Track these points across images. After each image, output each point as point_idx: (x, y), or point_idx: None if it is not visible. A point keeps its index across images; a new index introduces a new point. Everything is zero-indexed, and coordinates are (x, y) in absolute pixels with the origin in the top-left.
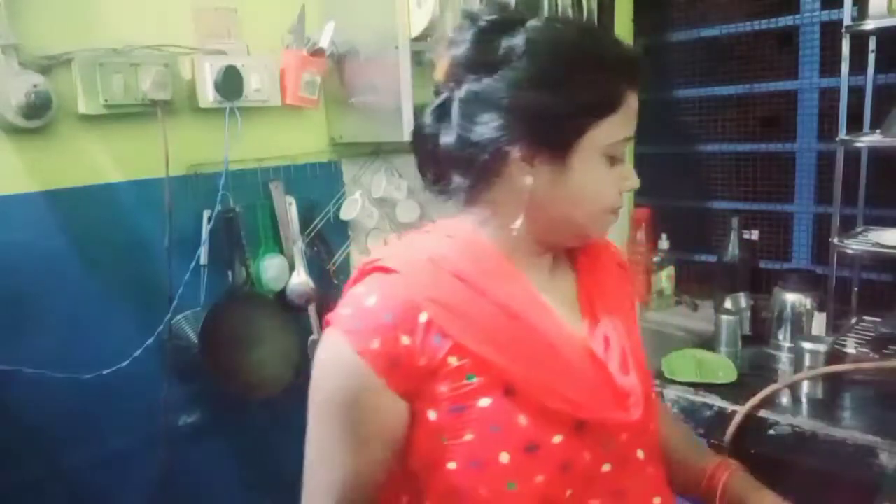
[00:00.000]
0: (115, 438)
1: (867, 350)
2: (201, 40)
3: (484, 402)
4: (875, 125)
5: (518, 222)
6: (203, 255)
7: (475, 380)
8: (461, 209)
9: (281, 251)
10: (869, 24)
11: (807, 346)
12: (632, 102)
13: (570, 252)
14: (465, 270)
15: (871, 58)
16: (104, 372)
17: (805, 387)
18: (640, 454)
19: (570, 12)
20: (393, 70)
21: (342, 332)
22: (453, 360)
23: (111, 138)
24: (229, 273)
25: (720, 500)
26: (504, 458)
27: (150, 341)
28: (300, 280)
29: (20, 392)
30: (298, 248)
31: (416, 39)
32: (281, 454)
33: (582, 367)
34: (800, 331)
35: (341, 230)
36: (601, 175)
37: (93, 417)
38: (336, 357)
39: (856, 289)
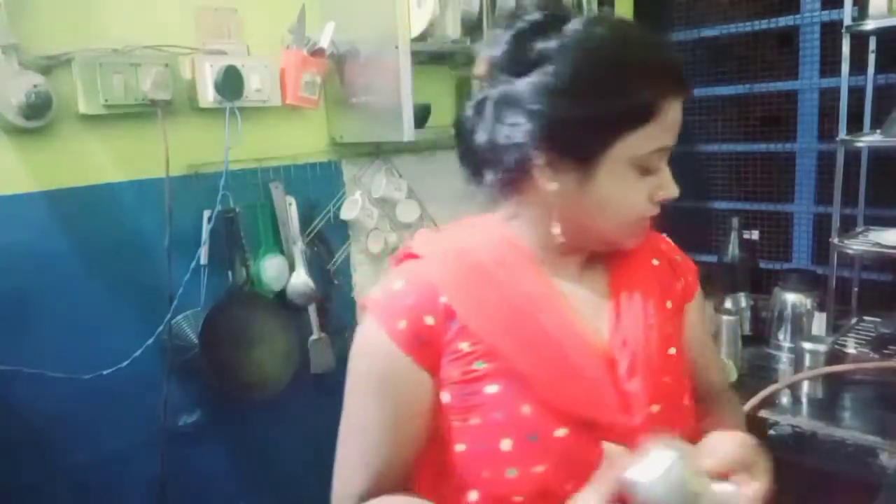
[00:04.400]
0: (115, 438)
1: (867, 350)
2: (201, 40)
3: (490, 388)
4: (875, 125)
5: (543, 226)
6: (203, 255)
7: (483, 366)
8: (494, 205)
9: (281, 251)
10: (869, 24)
11: (807, 346)
12: (670, 112)
13: (607, 257)
14: (486, 262)
15: (872, 58)
16: (104, 372)
17: (805, 387)
18: None
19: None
20: (393, 70)
21: (373, 315)
22: (465, 346)
23: (111, 138)
24: (229, 273)
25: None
26: (506, 444)
27: (150, 341)
28: (300, 280)
29: (20, 392)
30: (298, 248)
31: (416, 39)
32: (281, 454)
33: (589, 367)
34: (800, 331)
35: (341, 230)
36: (629, 186)
37: (93, 417)
38: (368, 338)
39: (856, 289)
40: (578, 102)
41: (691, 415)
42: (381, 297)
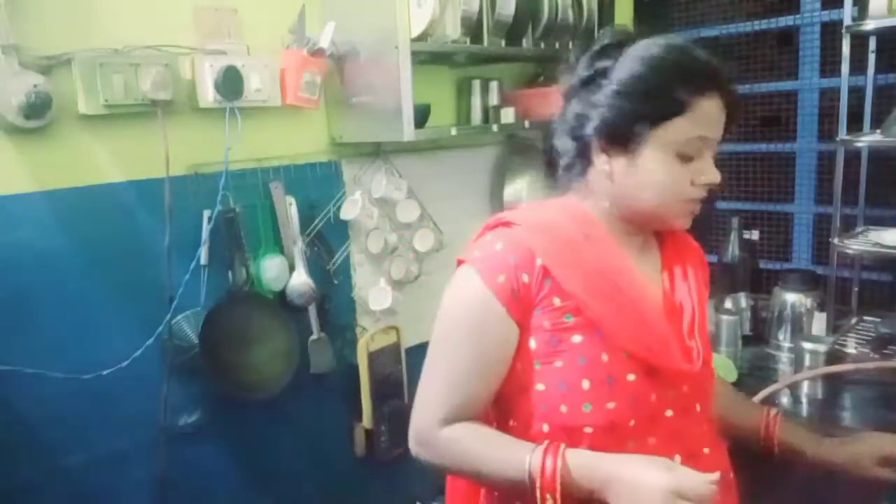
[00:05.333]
0: (115, 438)
1: (867, 350)
2: (201, 40)
3: (576, 338)
4: (875, 125)
5: (606, 202)
6: (203, 255)
7: (571, 319)
8: (568, 191)
9: (281, 251)
10: (869, 24)
11: (807, 346)
12: (705, 107)
13: (659, 240)
14: (571, 232)
15: (872, 58)
16: (104, 372)
17: (805, 387)
18: (698, 407)
19: (570, 12)
20: (393, 70)
21: (475, 269)
22: (557, 301)
23: (111, 138)
24: (229, 273)
25: (779, 447)
26: (586, 384)
27: (150, 341)
28: (300, 280)
29: (20, 392)
30: (298, 248)
31: (416, 39)
32: (281, 454)
33: (659, 323)
34: (800, 331)
35: (341, 230)
36: (669, 169)
37: (93, 417)
38: (469, 288)
39: (856, 289)
40: (624, 99)
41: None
42: (482, 254)
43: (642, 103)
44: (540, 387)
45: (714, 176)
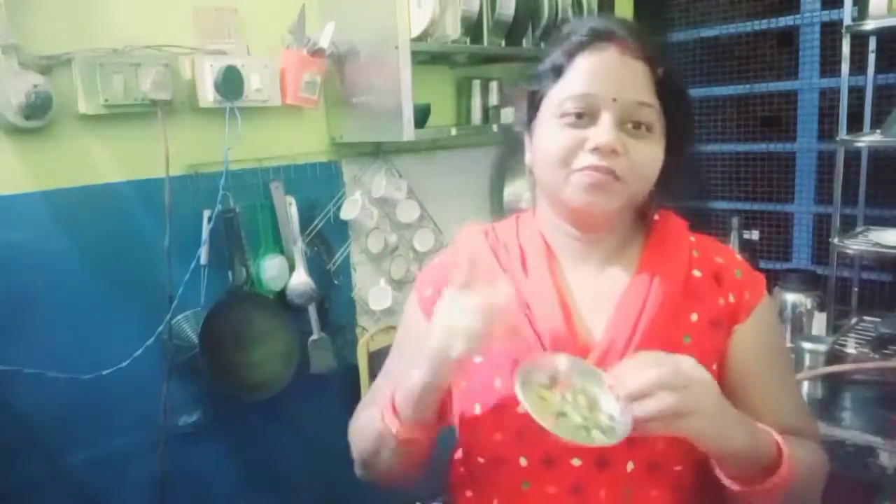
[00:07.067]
0: (115, 438)
1: (867, 350)
2: (201, 40)
3: (477, 358)
4: (875, 125)
5: (543, 202)
6: (203, 255)
7: None
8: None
9: (281, 251)
10: (869, 24)
11: (807, 346)
12: (584, 64)
13: (644, 252)
14: (499, 245)
15: (872, 58)
16: (104, 372)
17: (805, 387)
18: (630, 466)
19: (570, 12)
20: (393, 70)
21: (415, 283)
22: None
23: (111, 138)
24: (229, 273)
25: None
26: (477, 409)
27: (150, 341)
28: (300, 280)
29: (20, 392)
30: (298, 248)
31: (416, 39)
32: (281, 454)
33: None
34: (800, 331)
35: (341, 230)
36: (553, 133)
37: (93, 417)
38: (408, 301)
39: (856, 289)
40: (531, 78)
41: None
42: (424, 270)
43: (537, 74)
44: (455, 406)
45: (601, 138)
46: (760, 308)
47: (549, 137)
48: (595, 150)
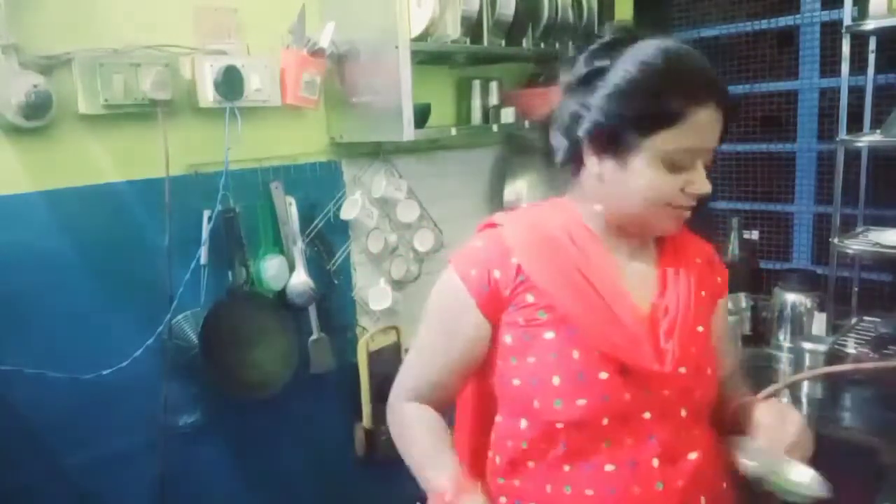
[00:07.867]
0: (115, 438)
1: (867, 350)
2: (201, 40)
3: (548, 334)
4: (875, 125)
5: (597, 206)
6: (203, 255)
7: (544, 316)
8: (566, 190)
9: (281, 251)
10: (869, 24)
11: (807, 346)
12: (699, 117)
13: (660, 241)
14: (554, 233)
15: (872, 58)
16: (104, 372)
17: (805, 387)
18: (683, 412)
19: (570, 12)
20: (393, 70)
21: (453, 264)
22: (530, 297)
23: (111, 138)
24: (229, 273)
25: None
26: (556, 380)
27: (150, 341)
28: (300, 280)
29: (20, 392)
30: (298, 248)
31: (416, 39)
32: (281, 454)
33: (632, 323)
34: (800, 331)
35: (341, 230)
36: (658, 178)
37: (93, 417)
38: (445, 280)
39: (856, 289)
40: (616, 104)
41: (714, 384)
42: (463, 252)
43: (634, 111)
44: (516, 382)
45: (704, 187)
46: (726, 287)
47: (654, 179)
48: (695, 195)
